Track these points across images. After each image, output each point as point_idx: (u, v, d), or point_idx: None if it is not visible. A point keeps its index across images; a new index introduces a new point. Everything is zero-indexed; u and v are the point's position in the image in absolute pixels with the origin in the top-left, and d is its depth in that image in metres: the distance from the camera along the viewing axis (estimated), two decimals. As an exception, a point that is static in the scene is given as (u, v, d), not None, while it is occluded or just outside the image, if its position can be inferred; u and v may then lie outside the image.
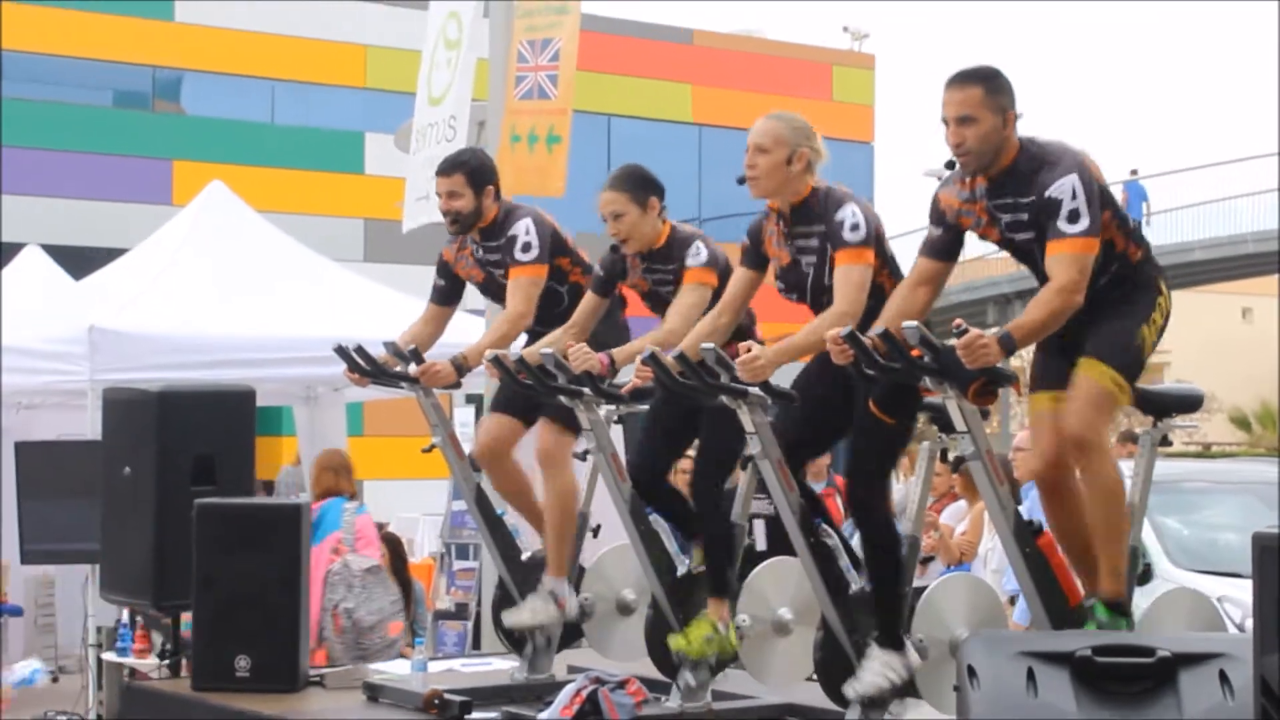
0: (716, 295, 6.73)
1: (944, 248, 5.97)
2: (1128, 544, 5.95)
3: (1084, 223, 5.57)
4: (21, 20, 27.18)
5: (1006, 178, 5.76)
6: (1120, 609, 5.85)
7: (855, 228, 6.10)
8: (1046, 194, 5.63)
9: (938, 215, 5.99)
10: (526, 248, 7.28)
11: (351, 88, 30.50)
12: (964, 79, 5.76)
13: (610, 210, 6.92)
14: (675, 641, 6.64)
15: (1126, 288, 5.82)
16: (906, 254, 6.42)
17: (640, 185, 6.93)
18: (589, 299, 7.11)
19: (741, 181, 6.28)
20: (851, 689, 5.99)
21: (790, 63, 36.22)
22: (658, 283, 6.97)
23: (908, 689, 6.01)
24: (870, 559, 6.11)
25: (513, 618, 7.33)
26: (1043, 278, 5.72)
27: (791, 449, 6.17)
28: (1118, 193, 34.66)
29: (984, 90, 5.72)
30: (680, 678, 6.68)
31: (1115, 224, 5.77)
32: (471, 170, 7.43)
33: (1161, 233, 37.95)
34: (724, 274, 6.80)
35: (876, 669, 5.98)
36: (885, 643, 6.02)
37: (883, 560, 6.07)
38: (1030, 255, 5.84)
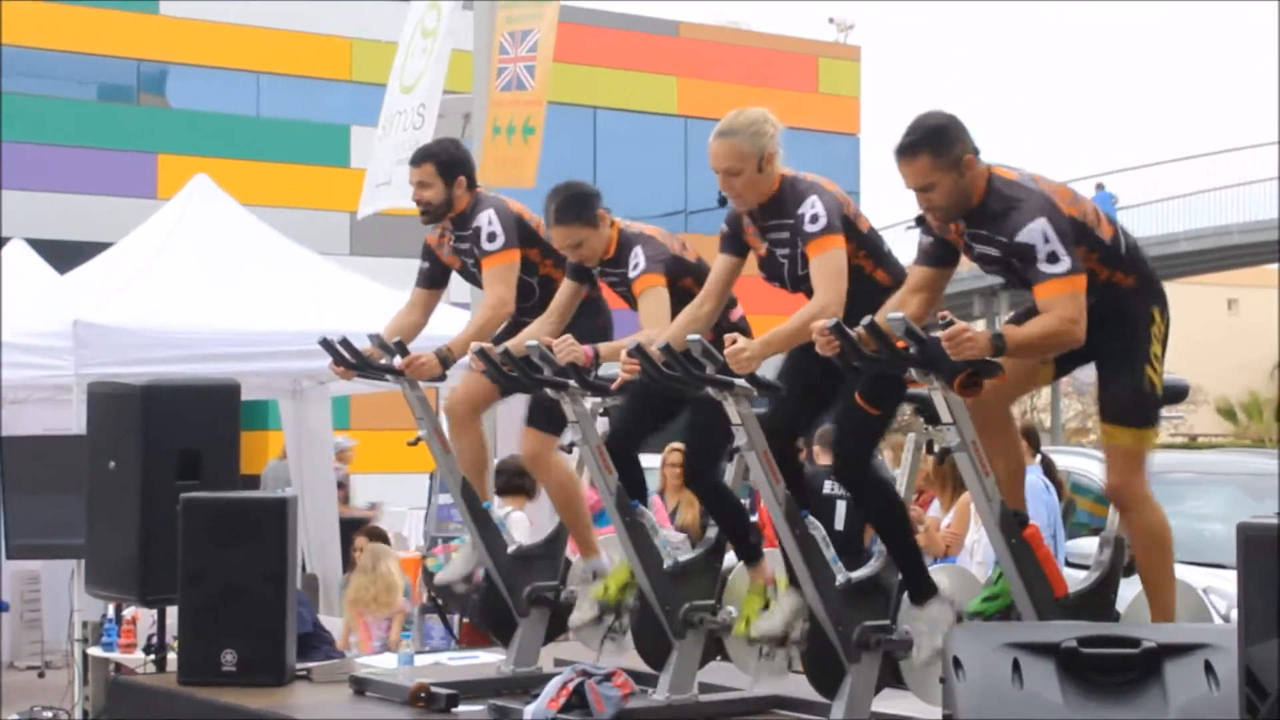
0: (672, 289, 6.73)
1: (936, 254, 5.98)
2: (1175, 583, 6.01)
3: (1065, 263, 5.55)
4: (6, 13, 27.10)
5: (979, 215, 5.76)
6: None
7: (814, 219, 6.12)
8: (1017, 239, 5.61)
9: (926, 227, 6.00)
10: (492, 237, 7.31)
11: (337, 81, 30.42)
12: (910, 151, 5.71)
13: (569, 243, 6.95)
14: (739, 631, 6.58)
15: (1120, 326, 5.80)
16: (893, 246, 6.45)
17: (585, 205, 6.93)
18: (566, 286, 7.14)
19: (724, 202, 6.32)
20: (917, 659, 6.00)
21: (776, 54, 36.20)
22: (614, 284, 7.01)
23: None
24: (878, 523, 6.17)
25: (578, 618, 7.23)
26: (1016, 287, 5.79)
27: (782, 435, 6.18)
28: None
29: (931, 155, 5.68)
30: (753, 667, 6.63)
31: (1095, 256, 5.74)
32: (441, 161, 7.45)
33: (1147, 224, 38.05)
34: (670, 269, 6.79)
35: (924, 630, 6.01)
36: (920, 599, 6.06)
37: (890, 519, 6.13)
38: (1004, 277, 5.90)
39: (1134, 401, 5.80)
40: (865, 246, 6.26)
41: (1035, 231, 5.58)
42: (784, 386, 6.08)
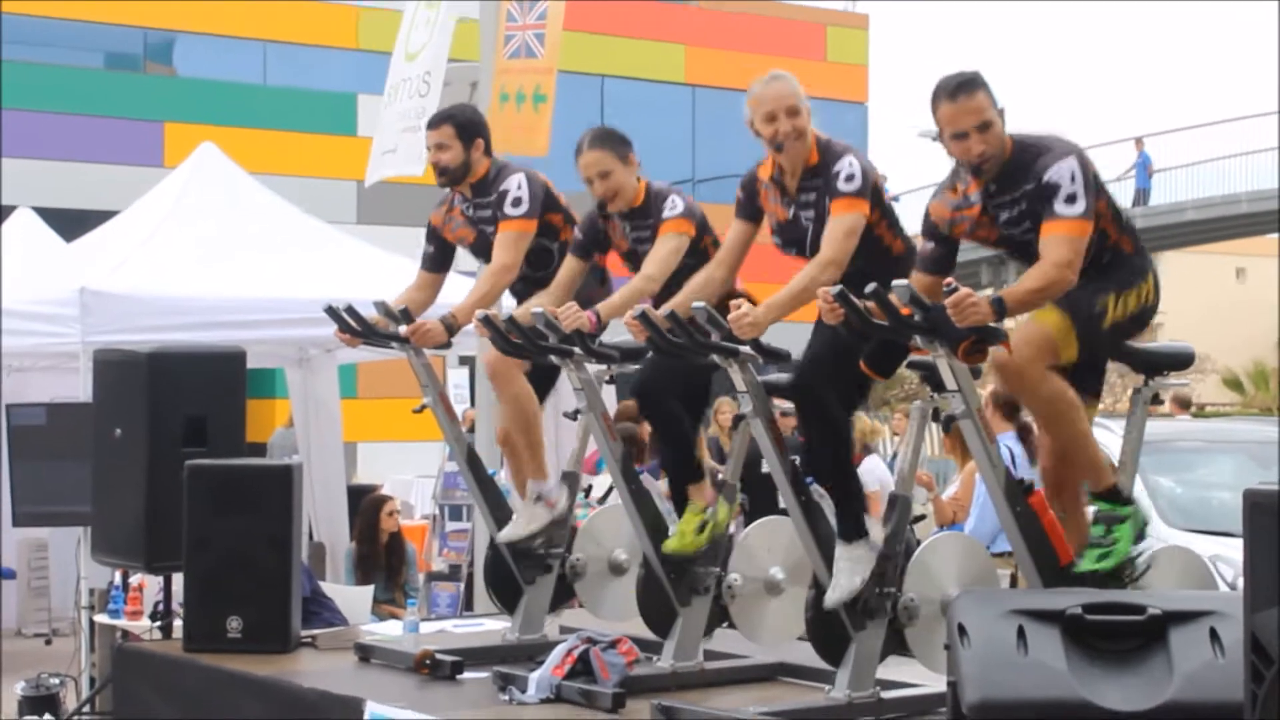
0: (694, 247, 6.72)
1: (939, 261, 5.97)
2: (1092, 438, 5.91)
3: (1080, 206, 5.55)
4: (12, -18, 27.07)
5: (1005, 174, 5.74)
6: (1116, 496, 5.88)
7: (850, 178, 6.08)
8: (1045, 178, 5.61)
9: (930, 229, 5.98)
10: (517, 202, 7.27)
11: (344, 49, 30.37)
12: (968, 87, 5.69)
13: (598, 170, 6.89)
14: (669, 545, 6.62)
15: (1112, 267, 5.80)
16: (903, 212, 6.41)
17: (620, 141, 6.95)
18: (569, 262, 7.11)
19: (779, 149, 6.18)
20: (830, 598, 5.98)
21: (784, 23, 36.11)
22: (638, 240, 6.96)
23: (885, 573, 5.99)
24: (818, 454, 6.13)
25: (509, 533, 7.30)
26: (1033, 259, 5.73)
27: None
28: (1129, 180, 34.81)
29: (986, 93, 5.70)
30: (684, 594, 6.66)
31: (1110, 215, 5.76)
32: (460, 124, 7.42)
33: (1155, 193, 37.99)
34: (700, 226, 6.81)
35: (845, 569, 5.99)
36: (848, 536, 6.04)
37: (831, 452, 6.10)
38: (1027, 249, 5.79)
39: (1078, 301, 5.68)
40: (887, 217, 6.25)
41: (1064, 170, 5.59)
42: (789, 353, 6.05)
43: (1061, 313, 5.67)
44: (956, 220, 5.91)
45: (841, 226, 6.04)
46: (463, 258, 7.98)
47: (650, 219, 6.87)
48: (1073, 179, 5.58)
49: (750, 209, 6.43)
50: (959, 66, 5.83)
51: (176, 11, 29.34)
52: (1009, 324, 5.63)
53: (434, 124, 7.50)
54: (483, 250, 7.55)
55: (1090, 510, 5.97)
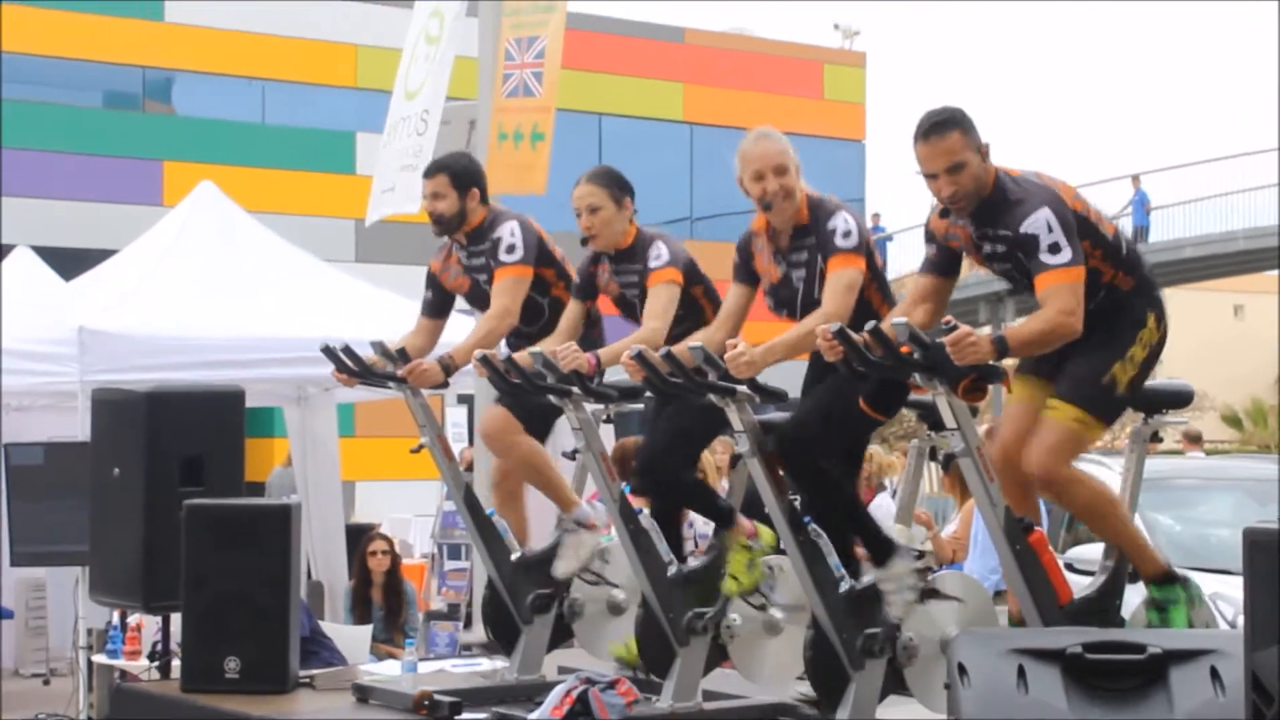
0: (683, 296, 6.73)
1: (940, 264, 6.03)
2: (1135, 528, 6.03)
3: (1067, 253, 5.58)
4: (11, 20, 27.15)
5: (987, 209, 5.78)
6: (1168, 579, 6.00)
7: (847, 234, 6.13)
8: (1021, 230, 5.64)
9: (929, 234, 6.05)
10: (511, 249, 7.28)
11: (342, 87, 30.48)
12: (941, 127, 5.72)
13: (587, 204, 6.93)
14: (728, 586, 6.59)
15: (1109, 322, 5.82)
16: (898, 251, 6.41)
17: (618, 184, 6.97)
18: (573, 306, 7.14)
19: (768, 208, 6.23)
20: (890, 617, 6.01)
21: (781, 61, 36.24)
22: (625, 285, 6.99)
23: (926, 576, 6.06)
24: (819, 503, 6.14)
25: (562, 568, 7.25)
26: (1023, 290, 5.77)
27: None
28: (1126, 216, 34.90)
29: (961, 132, 5.72)
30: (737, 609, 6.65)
31: (1099, 253, 5.77)
32: (455, 173, 7.43)
33: (1153, 230, 38.01)
34: (688, 271, 6.81)
35: (891, 588, 6.01)
36: (881, 560, 6.05)
37: (832, 499, 6.11)
38: (1010, 279, 5.91)
39: (1087, 384, 5.77)
40: (877, 280, 6.28)
41: (1039, 221, 5.61)
42: (786, 392, 6.06)
43: (1070, 405, 5.74)
44: (950, 235, 5.96)
45: (842, 281, 6.08)
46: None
47: (637, 264, 6.89)
48: (1049, 229, 5.60)
49: (746, 272, 6.47)
50: (954, 102, 5.84)
51: (175, 50, 29.45)
52: (1007, 362, 5.63)
53: (429, 173, 7.52)
54: (477, 299, 7.55)
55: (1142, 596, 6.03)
